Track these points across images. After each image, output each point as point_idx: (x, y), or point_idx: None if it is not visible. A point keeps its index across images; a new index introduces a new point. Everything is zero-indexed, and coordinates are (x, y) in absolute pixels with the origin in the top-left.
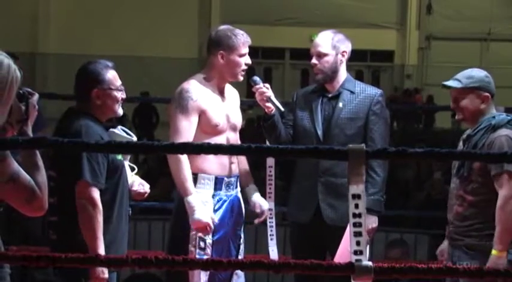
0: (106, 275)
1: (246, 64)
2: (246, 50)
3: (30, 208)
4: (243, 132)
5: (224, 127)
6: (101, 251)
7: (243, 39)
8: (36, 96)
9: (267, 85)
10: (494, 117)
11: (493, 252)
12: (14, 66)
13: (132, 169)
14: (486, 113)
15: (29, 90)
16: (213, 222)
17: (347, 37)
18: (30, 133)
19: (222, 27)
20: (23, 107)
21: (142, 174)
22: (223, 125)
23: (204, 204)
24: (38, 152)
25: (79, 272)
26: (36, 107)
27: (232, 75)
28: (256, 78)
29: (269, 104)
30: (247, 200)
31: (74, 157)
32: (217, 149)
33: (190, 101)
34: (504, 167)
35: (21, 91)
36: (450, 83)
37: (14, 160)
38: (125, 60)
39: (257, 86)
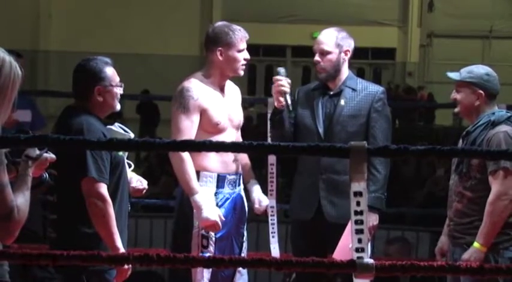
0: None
1: (245, 59)
2: (244, 45)
3: (2, 227)
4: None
5: (225, 125)
6: (119, 245)
7: (240, 35)
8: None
9: (289, 80)
10: (494, 113)
11: (475, 244)
12: (14, 63)
13: (129, 166)
14: (483, 110)
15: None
16: (220, 219)
17: (350, 35)
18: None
19: (219, 23)
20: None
21: (144, 172)
22: (225, 123)
23: (210, 202)
24: (29, 185)
25: (80, 269)
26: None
27: (233, 71)
28: (282, 70)
29: (282, 99)
30: (249, 197)
31: (76, 154)
32: (219, 147)
33: (191, 100)
34: (501, 163)
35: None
36: (451, 73)
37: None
38: (126, 58)
39: (278, 77)
